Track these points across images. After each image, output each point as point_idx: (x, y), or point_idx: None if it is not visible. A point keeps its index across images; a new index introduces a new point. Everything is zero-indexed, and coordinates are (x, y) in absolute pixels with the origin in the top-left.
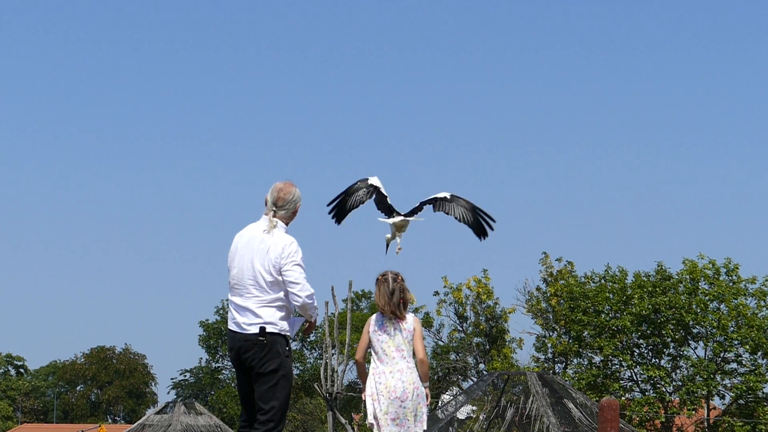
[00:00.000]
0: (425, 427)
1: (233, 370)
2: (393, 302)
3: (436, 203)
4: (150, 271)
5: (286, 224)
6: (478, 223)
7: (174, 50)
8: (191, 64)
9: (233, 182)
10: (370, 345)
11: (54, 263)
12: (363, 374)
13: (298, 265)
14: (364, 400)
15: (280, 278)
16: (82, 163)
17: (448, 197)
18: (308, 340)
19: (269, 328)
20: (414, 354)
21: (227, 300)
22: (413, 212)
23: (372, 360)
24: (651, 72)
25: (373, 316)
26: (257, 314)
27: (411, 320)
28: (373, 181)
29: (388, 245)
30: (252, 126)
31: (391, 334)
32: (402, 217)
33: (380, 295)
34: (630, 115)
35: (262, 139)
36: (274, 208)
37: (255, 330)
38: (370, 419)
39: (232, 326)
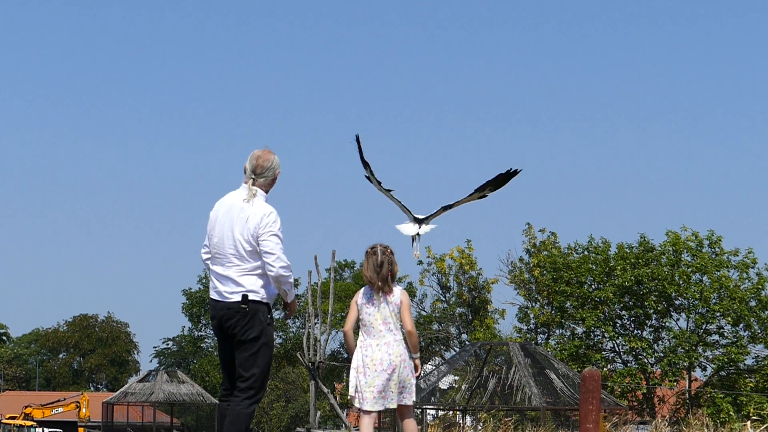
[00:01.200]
0: (414, 399)
1: (216, 338)
2: (381, 275)
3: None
4: (133, 240)
5: (266, 192)
6: (496, 184)
7: (146, 11)
8: (170, 28)
9: (216, 149)
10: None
11: (37, 231)
12: (351, 345)
13: (275, 235)
14: (352, 374)
15: (259, 247)
16: (66, 129)
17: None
18: None
19: (251, 296)
20: (402, 327)
21: (206, 269)
22: (433, 215)
23: (360, 332)
24: (635, 43)
25: (362, 289)
26: (239, 283)
27: (398, 293)
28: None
29: (414, 241)
30: (232, 92)
31: (379, 308)
32: (432, 226)
33: (368, 267)
34: (613, 88)
35: (243, 105)
36: (253, 176)
37: (237, 298)
38: (352, 392)
39: (213, 295)
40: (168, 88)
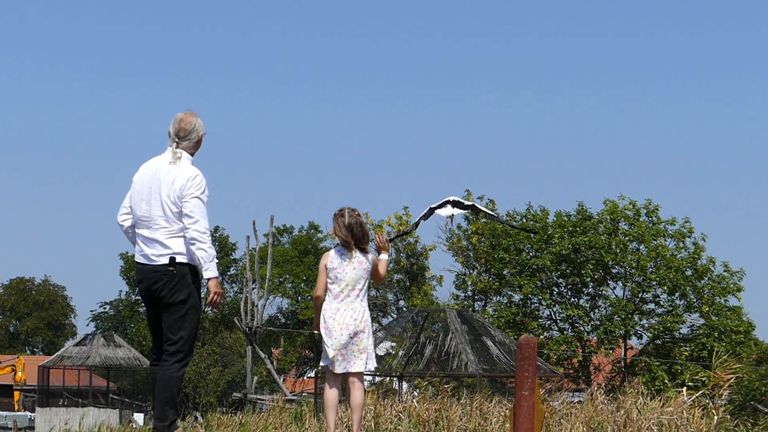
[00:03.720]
0: (374, 365)
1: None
2: (355, 235)
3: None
4: (71, 203)
5: (192, 155)
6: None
7: None
8: None
9: (155, 113)
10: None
11: None
12: (319, 310)
13: (197, 198)
14: (320, 334)
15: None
16: (8, 90)
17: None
18: (228, 274)
19: (179, 258)
20: (374, 283)
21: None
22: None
23: (327, 296)
24: (573, 8)
25: (331, 251)
26: (166, 245)
27: (370, 258)
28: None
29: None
30: (164, 52)
31: (349, 272)
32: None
33: (339, 227)
34: (552, 55)
35: (176, 66)
36: (177, 140)
37: (164, 261)
38: (325, 361)
39: (140, 259)
40: (110, 50)
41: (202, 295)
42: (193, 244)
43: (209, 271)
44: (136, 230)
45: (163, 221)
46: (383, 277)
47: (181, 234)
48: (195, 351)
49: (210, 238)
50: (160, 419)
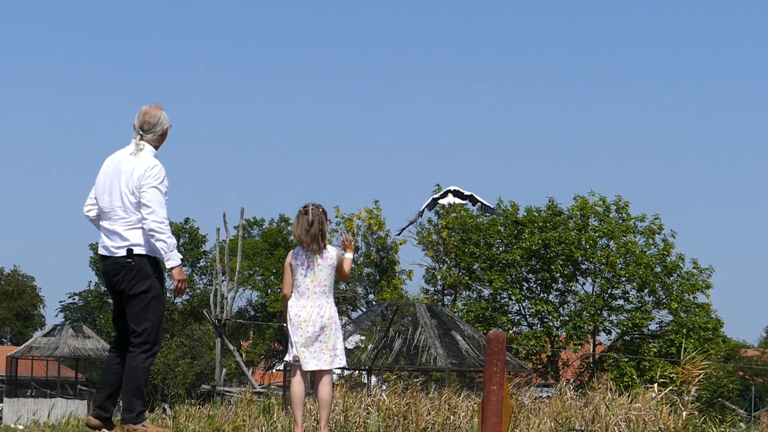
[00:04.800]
0: (344, 362)
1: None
2: (311, 233)
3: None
4: (40, 192)
5: (156, 147)
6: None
7: None
8: None
9: (123, 103)
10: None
11: None
12: (287, 309)
13: (155, 188)
14: (288, 334)
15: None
16: None
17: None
18: (198, 266)
19: (137, 250)
20: (339, 280)
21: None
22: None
23: (293, 293)
24: (536, 7)
25: (296, 248)
26: (124, 237)
27: (334, 254)
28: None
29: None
30: (133, 42)
31: (314, 269)
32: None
33: (298, 226)
34: (522, 51)
35: (148, 56)
36: (141, 132)
37: (123, 252)
38: (290, 358)
39: (102, 251)
40: (78, 42)
41: (170, 285)
42: (152, 235)
43: (171, 260)
44: (100, 223)
45: (121, 212)
46: (348, 275)
47: (140, 225)
48: (163, 343)
49: (169, 228)
50: (128, 410)
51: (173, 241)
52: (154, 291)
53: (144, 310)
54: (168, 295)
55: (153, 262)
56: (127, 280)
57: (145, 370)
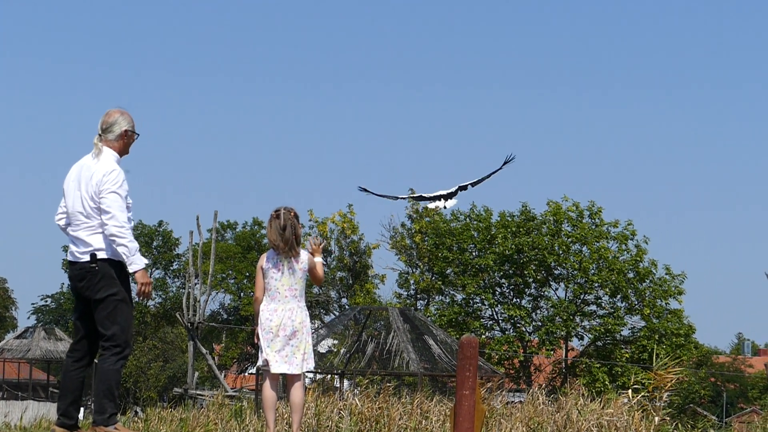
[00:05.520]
0: (312, 365)
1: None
2: (285, 238)
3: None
4: (12, 194)
5: (119, 152)
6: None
7: None
8: None
9: (94, 105)
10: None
11: None
12: (258, 313)
13: (114, 192)
14: (258, 338)
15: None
16: None
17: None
18: (171, 268)
19: (100, 255)
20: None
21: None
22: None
23: (265, 296)
24: (511, 12)
25: (268, 252)
26: (87, 242)
27: (306, 258)
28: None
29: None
30: (110, 46)
31: (285, 273)
32: (454, 201)
33: (272, 231)
34: (496, 56)
35: (126, 61)
36: (100, 133)
37: (87, 258)
38: (261, 362)
39: (69, 257)
40: (67, 40)
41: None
42: (113, 240)
43: (134, 264)
44: (68, 230)
45: (83, 217)
46: (321, 278)
47: (102, 230)
48: (136, 346)
49: (130, 232)
50: (99, 412)
51: (135, 245)
52: (120, 294)
53: (112, 314)
54: (135, 298)
55: (117, 266)
56: (92, 285)
57: (116, 372)
